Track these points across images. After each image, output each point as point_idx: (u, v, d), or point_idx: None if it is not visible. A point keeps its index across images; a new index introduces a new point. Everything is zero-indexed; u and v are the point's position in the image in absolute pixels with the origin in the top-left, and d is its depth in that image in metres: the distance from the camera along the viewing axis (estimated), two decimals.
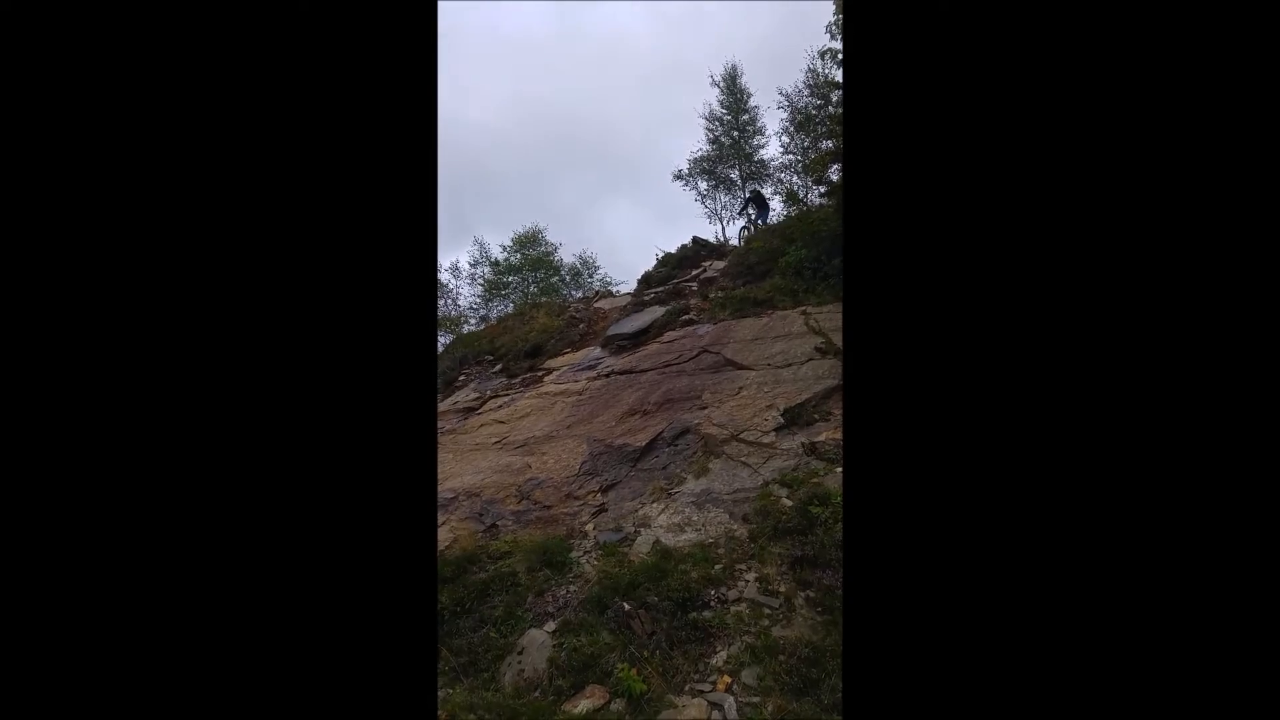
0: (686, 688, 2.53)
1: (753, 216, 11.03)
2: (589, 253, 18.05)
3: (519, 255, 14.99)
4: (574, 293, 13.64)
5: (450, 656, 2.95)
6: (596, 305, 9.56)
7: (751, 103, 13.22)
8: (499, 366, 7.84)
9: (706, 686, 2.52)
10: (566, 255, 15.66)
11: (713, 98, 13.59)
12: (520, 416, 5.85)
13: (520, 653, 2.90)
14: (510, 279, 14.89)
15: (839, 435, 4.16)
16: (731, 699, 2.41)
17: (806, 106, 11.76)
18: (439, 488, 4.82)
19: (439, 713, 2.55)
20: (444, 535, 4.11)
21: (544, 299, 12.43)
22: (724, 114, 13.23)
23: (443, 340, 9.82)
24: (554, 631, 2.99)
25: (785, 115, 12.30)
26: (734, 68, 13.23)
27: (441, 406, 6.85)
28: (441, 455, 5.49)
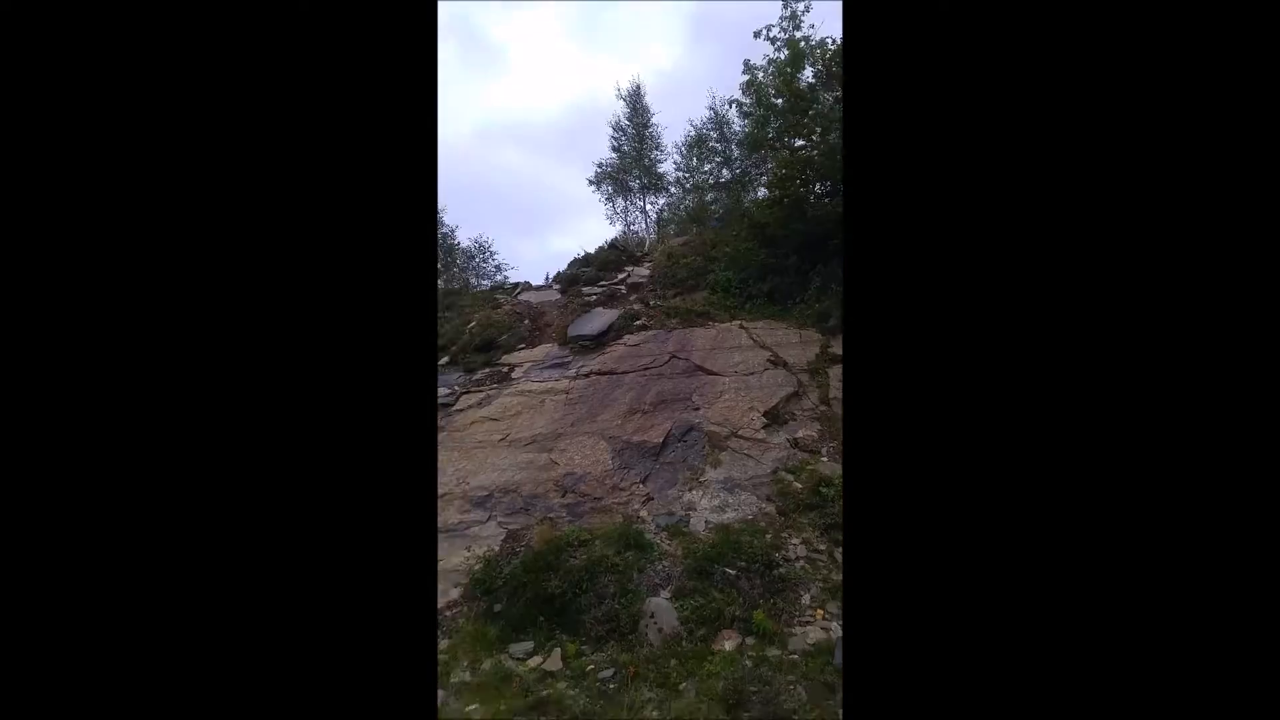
0: (795, 621, 3.55)
1: None
2: (485, 237, 17.57)
3: None
4: (478, 280, 13.35)
5: (596, 625, 3.52)
6: (522, 298, 9.78)
7: (655, 119, 14.67)
8: (446, 359, 7.76)
9: (808, 618, 3.56)
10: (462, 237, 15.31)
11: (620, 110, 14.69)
12: (513, 415, 6.14)
13: (652, 616, 3.60)
14: None
15: (813, 432, 5.49)
16: (833, 623, 3.49)
17: (702, 129, 13.26)
18: (466, 484, 5.03)
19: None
20: (524, 522, 4.44)
21: (457, 287, 12.06)
22: (628, 125, 14.31)
23: None
24: (671, 597, 3.75)
25: (689, 134, 13.75)
26: (638, 87, 14.44)
27: None
28: (443, 453, 5.58)
